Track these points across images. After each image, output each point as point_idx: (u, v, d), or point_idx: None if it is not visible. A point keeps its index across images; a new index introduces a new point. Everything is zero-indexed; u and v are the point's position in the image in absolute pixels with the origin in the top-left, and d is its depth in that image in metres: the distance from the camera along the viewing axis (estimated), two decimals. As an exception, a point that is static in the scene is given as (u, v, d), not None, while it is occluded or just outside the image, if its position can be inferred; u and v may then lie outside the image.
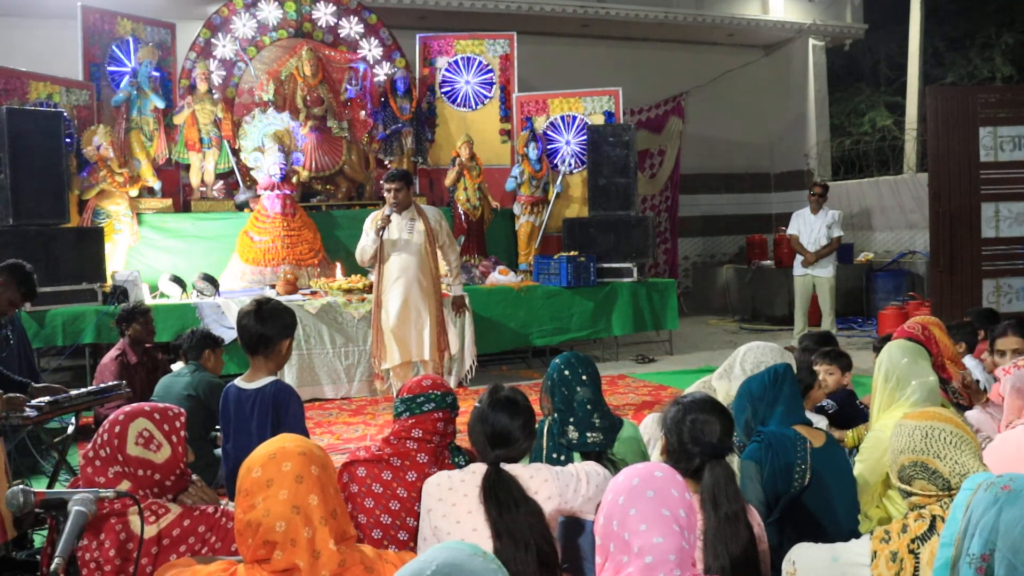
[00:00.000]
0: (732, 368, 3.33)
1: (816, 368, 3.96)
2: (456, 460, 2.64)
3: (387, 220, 5.52)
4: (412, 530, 2.49)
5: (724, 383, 3.35)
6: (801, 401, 2.90)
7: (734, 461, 3.02)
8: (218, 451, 3.94)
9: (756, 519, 2.26)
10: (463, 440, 2.61)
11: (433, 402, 2.59)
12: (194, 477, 2.33)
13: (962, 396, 3.74)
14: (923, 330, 3.85)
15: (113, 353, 5.26)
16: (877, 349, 3.78)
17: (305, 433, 3.04)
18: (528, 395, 2.54)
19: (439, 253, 5.85)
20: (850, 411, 4.00)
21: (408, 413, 2.59)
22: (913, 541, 1.90)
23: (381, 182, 5.70)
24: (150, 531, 2.04)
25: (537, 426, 2.71)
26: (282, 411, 2.99)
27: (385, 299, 5.68)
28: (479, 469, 2.28)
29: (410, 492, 2.49)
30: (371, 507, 2.48)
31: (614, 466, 2.66)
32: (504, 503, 2.17)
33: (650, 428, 3.33)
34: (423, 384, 2.65)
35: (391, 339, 5.69)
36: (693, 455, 2.22)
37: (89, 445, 2.19)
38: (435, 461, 2.57)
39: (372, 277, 5.78)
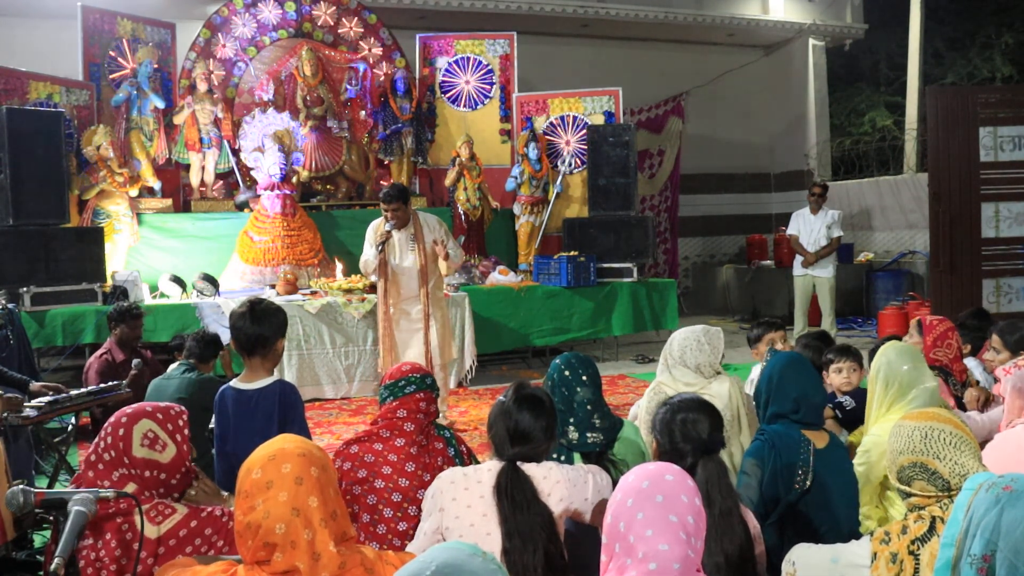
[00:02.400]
0: (666, 359, 3.38)
1: (839, 366, 3.94)
2: (442, 432, 2.80)
3: (387, 236, 5.39)
4: (405, 491, 2.60)
5: (666, 376, 3.37)
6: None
7: (733, 456, 3.02)
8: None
9: (752, 520, 2.26)
10: (465, 439, 2.62)
11: (414, 384, 2.75)
12: (195, 467, 2.32)
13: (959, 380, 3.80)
14: (939, 329, 3.91)
15: (99, 351, 5.27)
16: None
17: (308, 433, 3.04)
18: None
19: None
20: (862, 411, 3.98)
21: (392, 397, 2.75)
22: (913, 542, 1.90)
23: (380, 202, 5.47)
24: (153, 531, 2.03)
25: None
26: (289, 411, 3.00)
27: (391, 316, 5.58)
28: (495, 467, 2.26)
29: (399, 455, 2.66)
30: (364, 476, 2.63)
31: (614, 466, 2.66)
32: (518, 503, 2.16)
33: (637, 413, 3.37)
34: (403, 370, 2.82)
35: (398, 355, 5.58)
36: (685, 453, 2.26)
37: (90, 449, 2.17)
38: (421, 431, 2.73)
39: (374, 277, 5.70)
